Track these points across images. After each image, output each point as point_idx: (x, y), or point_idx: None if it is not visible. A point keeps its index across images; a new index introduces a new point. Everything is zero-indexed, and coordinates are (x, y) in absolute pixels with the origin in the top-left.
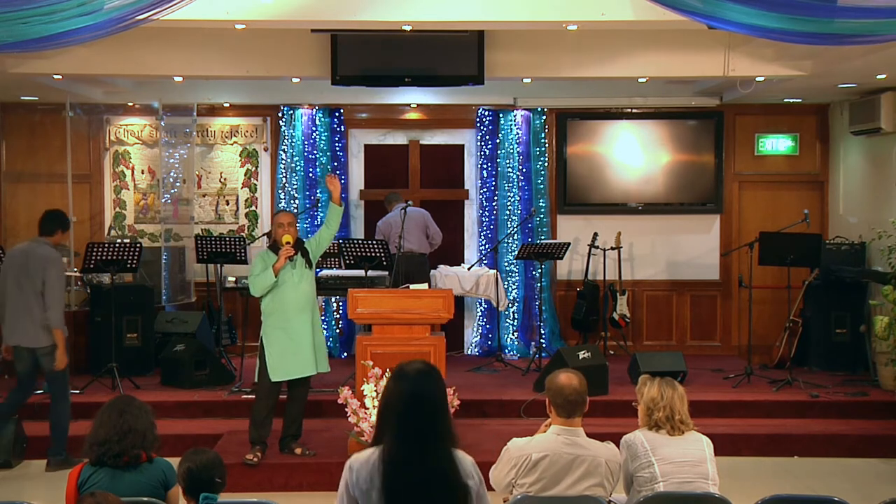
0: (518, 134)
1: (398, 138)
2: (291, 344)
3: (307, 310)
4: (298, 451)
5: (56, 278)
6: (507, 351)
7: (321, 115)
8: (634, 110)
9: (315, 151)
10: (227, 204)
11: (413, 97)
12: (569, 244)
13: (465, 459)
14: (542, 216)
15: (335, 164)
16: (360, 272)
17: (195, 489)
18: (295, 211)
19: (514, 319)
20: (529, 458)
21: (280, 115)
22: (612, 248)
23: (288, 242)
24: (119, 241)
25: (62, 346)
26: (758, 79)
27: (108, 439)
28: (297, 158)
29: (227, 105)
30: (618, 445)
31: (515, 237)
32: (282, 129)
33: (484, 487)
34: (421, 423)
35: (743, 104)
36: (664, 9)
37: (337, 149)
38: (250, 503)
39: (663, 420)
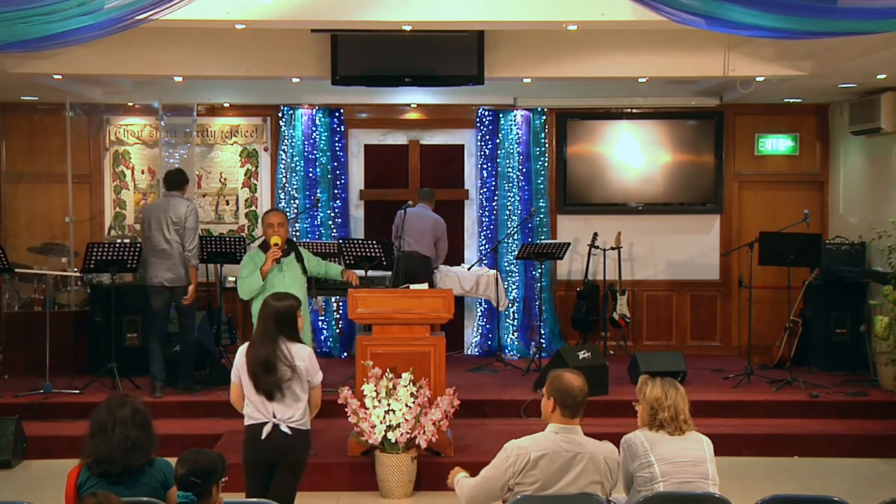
0: (518, 134)
1: (398, 138)
2: None
3: None
4: None
5: (195, 223)
6: (507, 351)
7: (321, 115)
8: (634, 110)
9: (315, 151)
10: (227, 204)
11: (413, 97)
12: (569, 244)
13: (304, 349)
14: (542, 216)
15: (335, 163)
16: (360, 272)
17: (193, 489)
18: (294, 211)
19: (514, 319)
20: (529, 458)
21: (280, 115)
22: (612, 248)
23: (276, 244)
24: (119, 241)
25: (195, 281)
26: (758, 79)
27: (110, 457)
28: (297, 158)
29: (227, 105)
30: (617, 446)
31: (515, 237)
32: (282, 129)
33: (320, 373)
34: (274, 328)
35: (743, 104)
36: (661, 14)
37: (337, 149)
38: (250, 503)
39: (668, 420)
